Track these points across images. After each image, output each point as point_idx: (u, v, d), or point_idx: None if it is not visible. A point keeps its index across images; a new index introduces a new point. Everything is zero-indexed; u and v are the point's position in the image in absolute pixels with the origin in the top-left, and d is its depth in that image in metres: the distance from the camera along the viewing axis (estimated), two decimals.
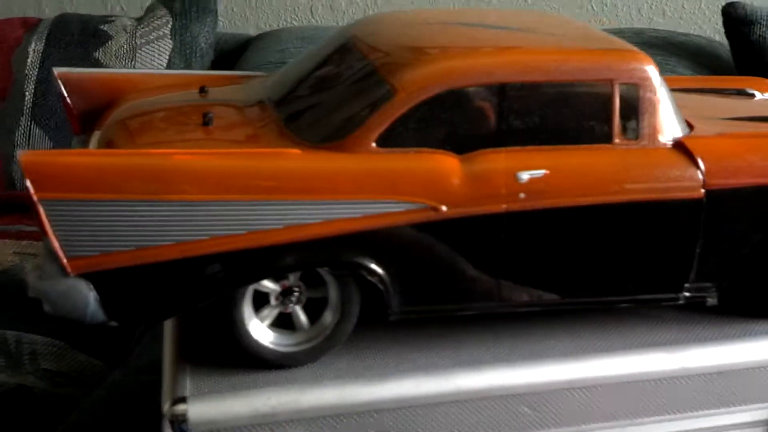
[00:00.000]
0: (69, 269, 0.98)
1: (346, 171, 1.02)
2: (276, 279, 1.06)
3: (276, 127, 1.10)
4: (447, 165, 1.04)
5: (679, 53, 2.42)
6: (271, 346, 1.06)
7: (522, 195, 1.05)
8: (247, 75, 1.33)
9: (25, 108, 2.30)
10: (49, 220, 0.97)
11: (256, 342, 1.05)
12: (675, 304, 1.14)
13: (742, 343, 1.14)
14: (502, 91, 1.05)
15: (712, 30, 2.68)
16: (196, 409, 0.99)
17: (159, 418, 1.00)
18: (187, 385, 1.02)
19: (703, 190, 1.09)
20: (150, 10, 2.46)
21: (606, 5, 2.77)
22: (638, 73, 1.09)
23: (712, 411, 1.14)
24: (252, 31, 2.69)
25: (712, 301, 1.14)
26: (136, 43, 2.35)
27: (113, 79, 1.28)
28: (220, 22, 2.51)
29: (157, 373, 1.10)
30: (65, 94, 1.25)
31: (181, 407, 0.99)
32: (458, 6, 2.77)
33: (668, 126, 1.11)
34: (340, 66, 1.15)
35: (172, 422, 0.99)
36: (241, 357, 1.05)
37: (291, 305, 1.07)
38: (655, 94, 1.10)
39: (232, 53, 2.52)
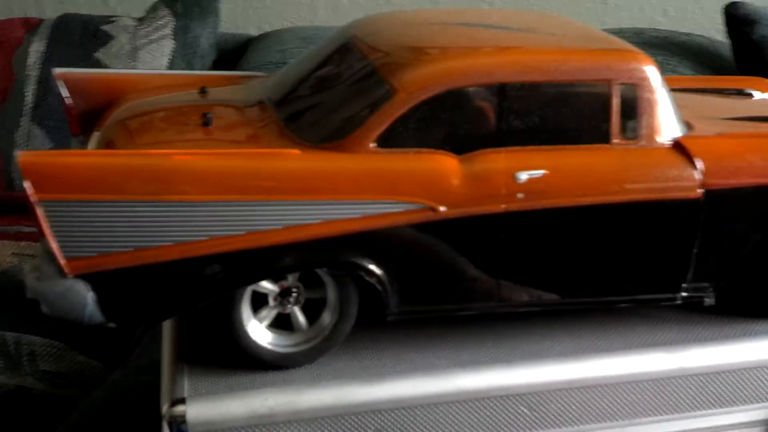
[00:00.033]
0: (67, 270, 0.98)
1: (345, 171, 1.02)
2: (275, 280, 1.06)
3: (276, 127, 1.10)
4: (446, 165, 1.04)
5: (680, 53, 2.41)
6: (269, 346, 1.06)
7: (521, 195, 1.05)
8: (247, 75, 1.33)
9: (25, 108, 2.30)
10: (48, 221, 0.97)
11: (254, 343, 1.05)
12: (672, 304, 1.14)
13: (741, 343, 1.14)
14: (501, 91, 1.05)
15: (713, 30, 2.67)
16: (195, 410, 0.99)
17: (158, 419, 1.00)
18: (186, 386, 1.02)
19: (701, 190, 1.09)
20: (152, 10, 2.45)
21: (607, 5, 2.77)
22: (637, 74, 1.09)
23: (711, 411, 1.14)
24: (253, 32, 2.69)
25: (709, 301, 1.15)
26: (137, 43, 2.35)
27: (113, 80, 1.28)
28: (222, 23, 2.51)
29: (157, 373, 1.10)
30: (65, 95, 1.25)
31: (179, 408, 0.99)
32: (459, 6, 2.77)
33: (667, 126, 1.10)
34: (340, 66, 1.15)
35: (170, 423, 0.99)
36: (240, 358, 1.05)
37: (289, 306, 1.07)
38: (653, 94, 1.10)
39: (233, 53, 2.52)
